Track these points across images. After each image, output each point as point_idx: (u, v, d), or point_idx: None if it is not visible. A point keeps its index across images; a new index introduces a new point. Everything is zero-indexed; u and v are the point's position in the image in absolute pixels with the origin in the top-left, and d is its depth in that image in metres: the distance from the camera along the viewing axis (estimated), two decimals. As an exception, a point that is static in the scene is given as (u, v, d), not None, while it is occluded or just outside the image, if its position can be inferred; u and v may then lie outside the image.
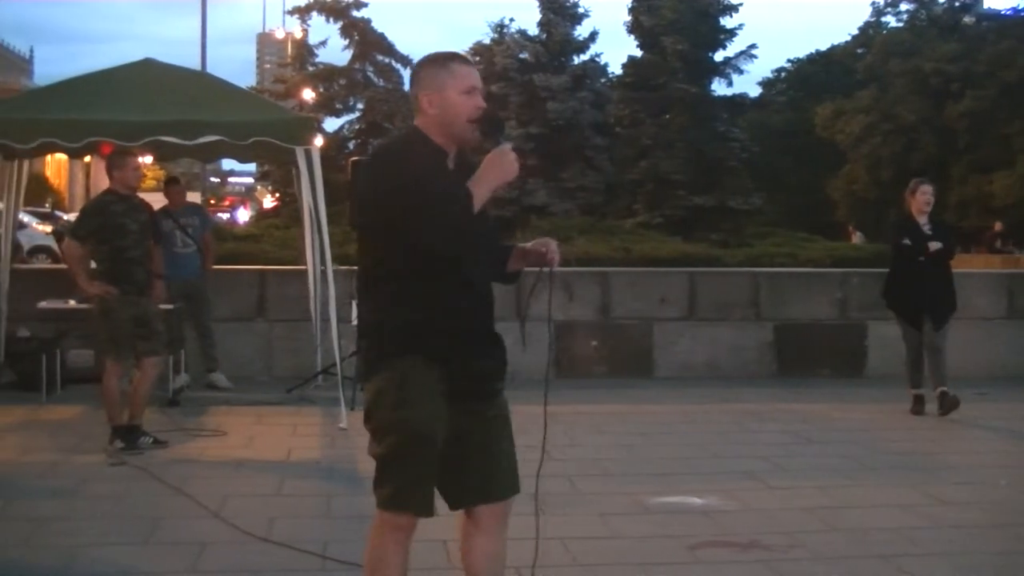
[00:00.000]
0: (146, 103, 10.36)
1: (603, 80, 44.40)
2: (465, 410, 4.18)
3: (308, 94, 44.03)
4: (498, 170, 4.12)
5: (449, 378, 4.12)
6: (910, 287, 10.58)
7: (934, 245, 10.50)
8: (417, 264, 4.05)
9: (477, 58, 44.72)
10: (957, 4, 55.51)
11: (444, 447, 4.16)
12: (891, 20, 59.97)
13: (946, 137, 50.72)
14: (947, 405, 10.32)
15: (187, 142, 10.49)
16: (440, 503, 4.27)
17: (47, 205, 49.05)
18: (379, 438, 4.16)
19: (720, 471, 8.27)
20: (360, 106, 45.89)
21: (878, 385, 12.33)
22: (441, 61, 4.24)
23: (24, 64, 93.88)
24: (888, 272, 11.08)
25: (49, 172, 74.87)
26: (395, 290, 4.13)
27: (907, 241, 10.61)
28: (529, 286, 4.31)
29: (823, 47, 67.50)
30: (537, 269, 4.29)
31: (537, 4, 42.72)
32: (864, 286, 13.42)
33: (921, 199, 10.63)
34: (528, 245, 4.36)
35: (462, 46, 51.17)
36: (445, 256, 4.04)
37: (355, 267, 12.03)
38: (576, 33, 43.07)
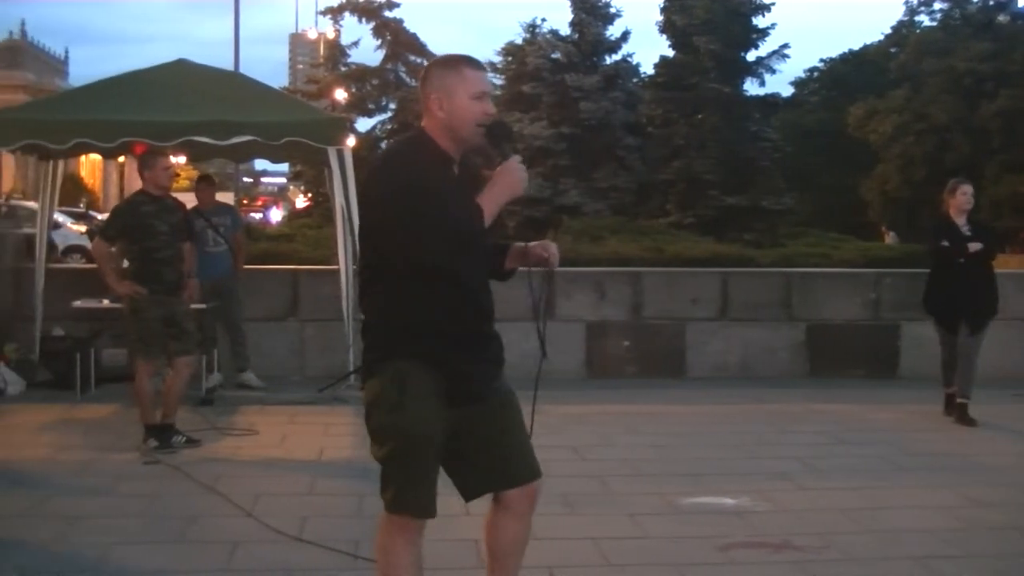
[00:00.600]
0: (179, 103, 10.43)
1: (635, 80, 44.23)
2: (466, 409, 4.22)
3: (340, 94, 44.07)
4: (507, 186, 4.09)
5: (446, 379, 4.14)
6: (950, 290, 10.26)
7: (974, 246, 10.16)
8: (414, 268, 4.04)
9: (509, 58, 44.70)
10: (991, 3, 55.08)
11: (449, 444, 4.21)
12: (924, 19, 59.61)
13: (979, 137, 50.40)
14: (964, 420, 10.11)
15: (220, 142, 10.52)
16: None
17: (81, 205, 49.44)
18: (379, 440, 4.21)
19: (753, 472, 8.25)
20: (392, 106, 45.83)
21: (911, 386, 12.26)
22: (452, 63, 4.23)
23: (59, 65, 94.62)
24: (928, 276, 10.74)
25: (84, 172, 75.56)
26: (393, 292, 4.14)
27: (945, 243, 10.28)
28: (536, 290, 4.27)
29: (856, 46, 67.18)
30: (539, 269, 4.30)
31: (569, 4, 42.62)
32: (897, 286, 13.37)
33: (961, 199, 10.31)
34: (528, 245, 4.34)
35: (494, 46, 51.34)
36: (443, 269, 4.04)
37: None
38: (608, 33, 42.92)
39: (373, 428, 4.22)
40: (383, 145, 43.09)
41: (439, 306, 4.09)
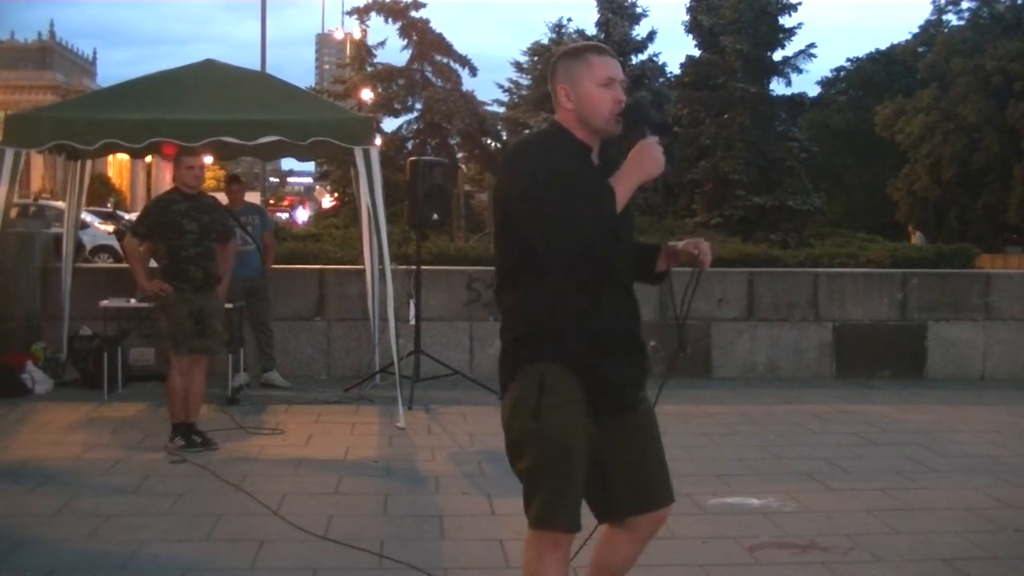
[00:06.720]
0: (207, 104, 10.44)
1: (662, 80, 44.26)
2: (607, 421, 3.95)
3: (367, 94, 44.20)
4: (641, 165, 3.89)
5: (588, 386, 3.87)
6: None
7: None
8: (555, 259, 3.77)
9: (535, 58, 44.72)
10: (1020, 1, 54.85)
11: (588, 460, 3.90)
12: (952, 18, 59.52)
13: (1009, 137, 50.18)
14: None
15: (247, 142, 10.54)
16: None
17: (109, 205, 49.62)
18: (519, 452, 3.88)
19: (780, 472, 8.23)
20: (418, 106, 45.94)
21: (939, 386, 12.21)
22: (576, 52, 4.03)
23: (88, 66, 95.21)
24: None
25: (111, 172, 75.95)
26: (535, 289, 3.88)
27: None
28: (685, 288, 4.20)
29: (883, 46, 67.06)
30: (689, 270, 4.19)
31: (595, 4, 42.66)
32: (924, 287, 13.31)
33: None
34: (679, 245, 4.22)
35: (520, 46, 51.27)
36: (584, 257, 3.76)
37: (412, 267, 11.96)
38: (634, 33, 42.94)
39: (514, 439, 3.90)
40: (409, 145, 43.26)
41: (583, 303, 3.87)
